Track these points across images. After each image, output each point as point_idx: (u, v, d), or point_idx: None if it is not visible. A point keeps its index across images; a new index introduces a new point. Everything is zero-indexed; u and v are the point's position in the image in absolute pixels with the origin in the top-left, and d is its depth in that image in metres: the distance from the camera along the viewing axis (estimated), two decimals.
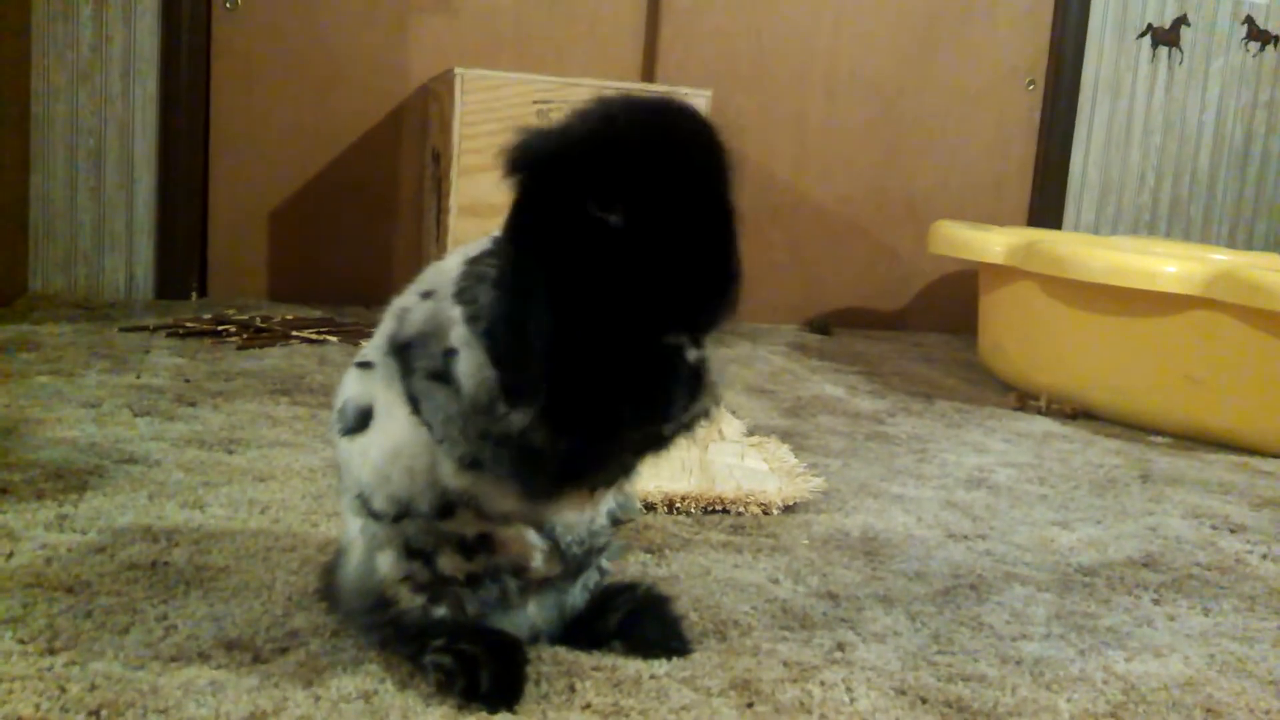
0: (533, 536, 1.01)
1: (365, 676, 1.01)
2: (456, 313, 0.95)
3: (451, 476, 0.97)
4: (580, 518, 1.03)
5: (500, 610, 1.04)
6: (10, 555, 1.23)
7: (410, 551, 1.00)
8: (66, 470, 1.53)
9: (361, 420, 1.02)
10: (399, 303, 1.03)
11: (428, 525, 0.99)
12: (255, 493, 1.51)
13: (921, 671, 1.12)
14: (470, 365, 0.92)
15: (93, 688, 0.96)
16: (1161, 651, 1.23)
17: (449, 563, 1.00)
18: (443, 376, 0.95)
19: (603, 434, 0.93)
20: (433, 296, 0.99)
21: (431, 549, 1.00)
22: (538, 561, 1.02)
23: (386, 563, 1.01)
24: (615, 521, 1.11)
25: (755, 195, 3.42)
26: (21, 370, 2.10)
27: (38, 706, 0.92)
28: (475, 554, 1.00)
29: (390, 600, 1.02)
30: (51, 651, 1.02)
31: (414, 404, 0.98)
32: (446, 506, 0.98)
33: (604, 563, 1.11)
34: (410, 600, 1.01)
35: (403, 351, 0.99)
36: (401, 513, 0.99)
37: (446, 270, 1.00)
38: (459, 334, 0.94)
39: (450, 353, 0.94)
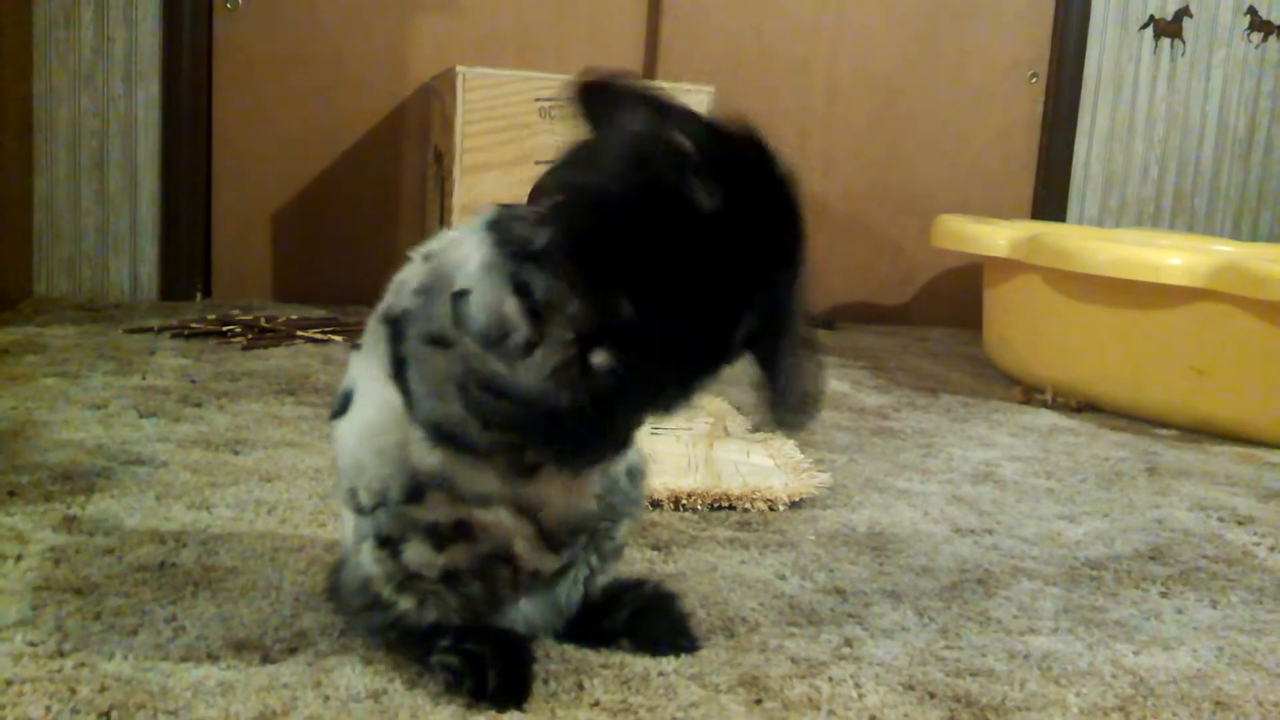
0: (512, 519, 0.98)
1: (374, 676, 1.01)
2: (473, 244, 0.93)
3: (422, 455, 0.95)
4: (566, 499, 1.00)
5: (491, 609, 1.02)
6: (19, 558, 1.23)
7: (380, 540, 0.99)
8: (74, 472, 1.54)
9: (344, 403, 1.02)
10: (398, 275, 1.01)
11: (396, 511, 0.97)
12: (262, 493, 1.51)
13: (929, 666, 1.12)
14: (486, 298, 0.90)
15: (103, 689, 0.96)
16: (1170, 644, 1.23)
17: (416, 555, 0.98)
18: (441, 339, 0.93)
19: (647, 393, 0.92)
20: (433, 258, 0.97)
21: (399, 537, 0.98)
22: (521, 547, 1.00)
23: (368, 556, 1.00)
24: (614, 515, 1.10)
25: None
26: (27, 373, 2.10)
27: (48, 708, 0.92)
28: (448, 544, 0.98)
29: (386, 603, 1.01)
30: (61, 653, 1.02)
31: (397, 367, 0.96)
32: (415, 490, 0.96)
33: (593, 559, 1.09)
34: (407, 602, 1.00)
35: (396, 322, 0.97)
36: (378, 503, 0.98)
37: (456, 234, 0.98)
38: (471, 271, 0.92)
39: (461, 295, 0.92)
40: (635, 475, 1.10)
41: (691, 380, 0.93)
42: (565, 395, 0.90)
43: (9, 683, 0.96)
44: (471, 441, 0.94)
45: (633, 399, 0.91)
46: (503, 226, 0.93)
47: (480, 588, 1.01)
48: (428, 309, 0.95)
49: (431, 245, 1.00)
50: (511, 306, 0.90)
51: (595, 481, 1.03)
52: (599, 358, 0.89)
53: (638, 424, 0.98)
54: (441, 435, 0.95)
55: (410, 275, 0.99)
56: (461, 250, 0.95)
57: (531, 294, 0.89)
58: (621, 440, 1.02)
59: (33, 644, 1.03)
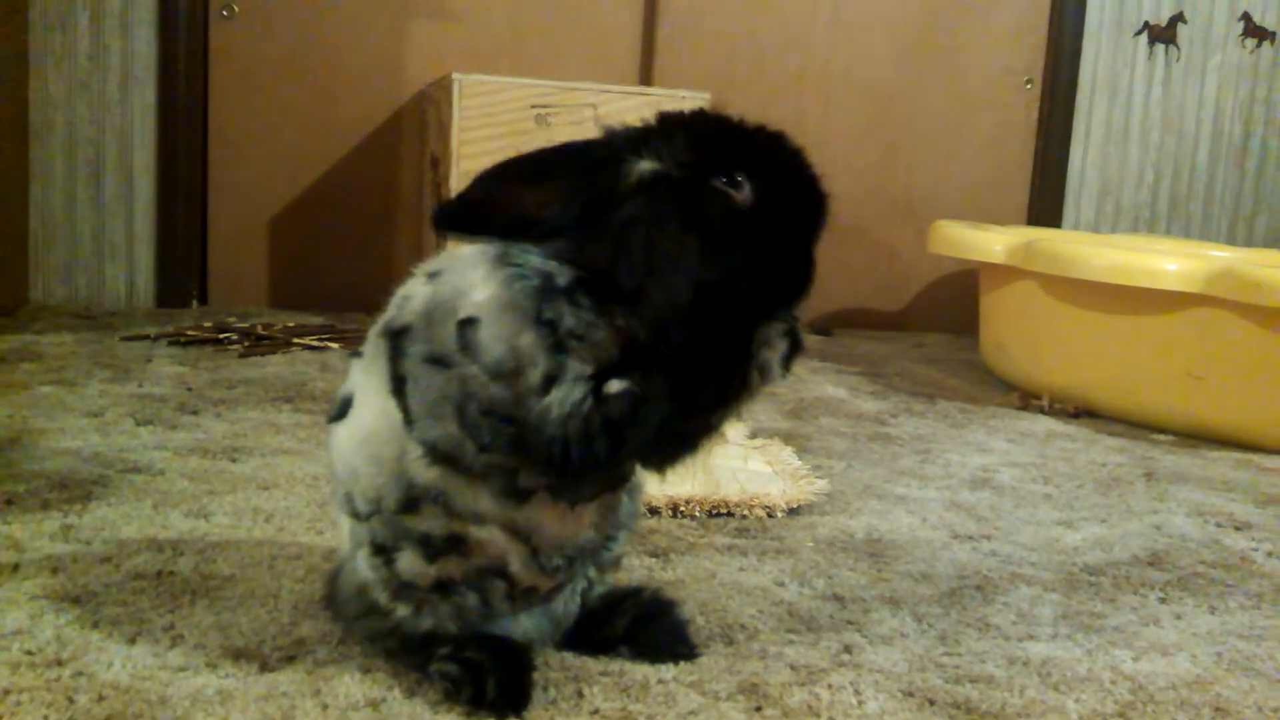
0: (505, 539, 0.98)
1: (373, 684, 1.01)
2: (480, 275, 0.93)
3: (420, 469, 0.95)
4: (561, 527, 1.00)
5: (486, 620, 1.02)
6: (16, 567, 1.23)
7: (375, 548, 0.99)
8: (71, 480, 1.53)
9: (343, 408, 1.02)
10: (402, 290, 1.02)
11: (391, 519, 0.97)
12: (259, 501, 1.51)
13: (929, 673, 1.12)
14: (500, 330, 0.91)
15: (100, 698, 0.95)
16: (1169, 650, 1.23)
17: (409, 564, 0.98)
18: (442, 360, 0.93)
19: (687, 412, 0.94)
20: (438, 278, 0.98)
21: (392, 545, 0.98)
22: (515, 565, 0.99)
23: (364, 562, 1.00)
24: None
25: None
26: (24, 381, 2.10)
27: (46, 718, 0.92)
28: (440, 556, 0.97)
29: (384, 609, 1.01)
30: (59, 662, 1.01)
31: (397, 384, 0.96)
32: (411, 501, 0.96)
33: (590, 571, 1.09)
34: (404, 609, 1.00)
35: (397, 336, 0.97)
36: (373, 510, 0.98)
37: (463, 253, 0.99)
38: (479, 300, 0.92)
39: (469, 322, 0.92)
40: (633, 490, 1.09)
41: (708, 403, 0.95)
42: (577, 426, 0.90)
43: (7, 692, 0.95)
44: (467, 462, 0.95)
45: (647, 422, 0.91)
46: (515, 262, 0.93)
47: (475, 598, 1.00)
48: (429, 331, 0.95)
49: (435, 264, 1.00)
50: (528, 340, 0.90)
51: (593, 511, 1.02)
52: (614, 386, 0.90)
53: (647, 455, 0.98)
54: (438, 455, 0.95)
55: (413, 292, 0.99)
56: (467, 277, 0.95)
57: (556, 329, 0.90)
58: (624, 475, 1.02)
59: (30, 653, 1.03)
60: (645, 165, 0.93)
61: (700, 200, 0.91)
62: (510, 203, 0.93)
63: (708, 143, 0.94)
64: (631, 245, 0.90)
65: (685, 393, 0.92)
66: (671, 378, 0.91)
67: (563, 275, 0.91)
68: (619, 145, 0.94)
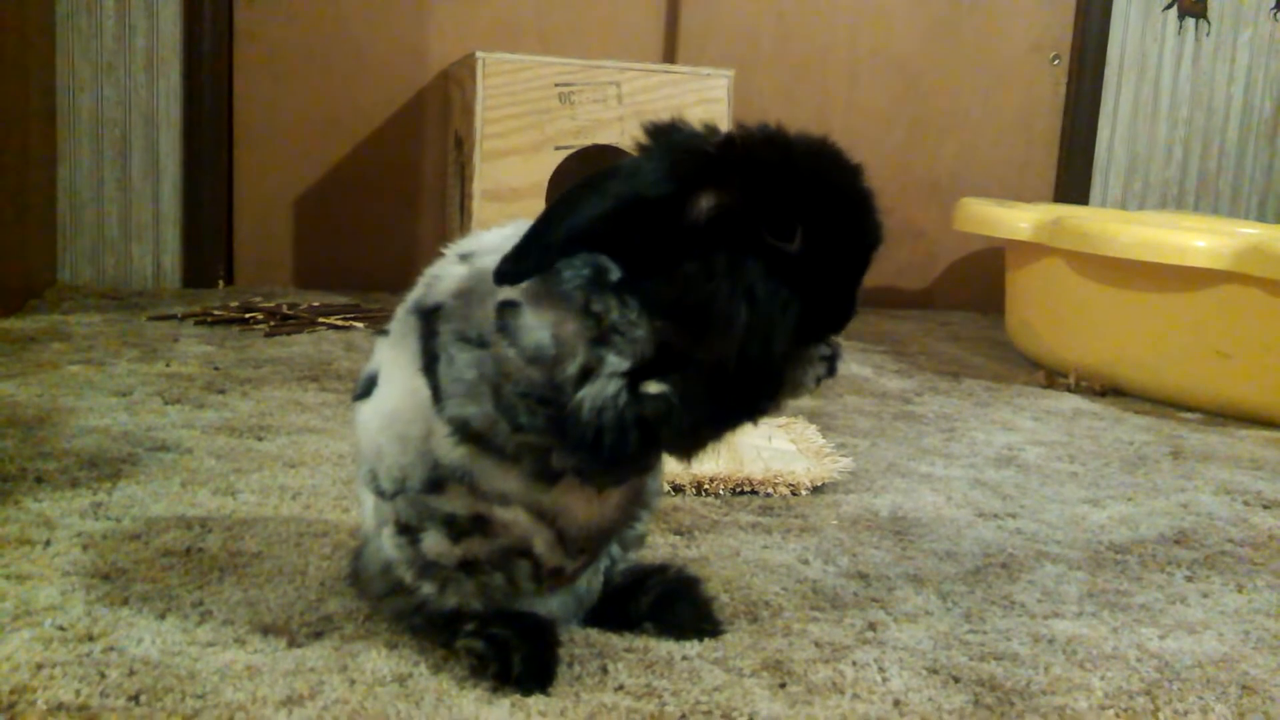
0: (530, 521, 0.98)
1: (400, 660, 1.02)
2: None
3: (446, 448, 0.95)
4: (587, 510, 1.01)
5: (511, 599, 1.02)
6: (48, 543, 1.24)
7: (400, 527, 0.99)
8: (100, 459, 1.55)
9: (368, 386, 1.03)
10: (431, 270, 1.02)
11: (416, 499, 0.98)
12: (286, 479, 1.52)
13: (954, 651, 1.12)
14: (543, 317, 0.91)
15: (131, 673, 0.97)
16: (1195, 629, 1.22)
17: (433, 544, 0.98)
18: (478, 341, 0.93)
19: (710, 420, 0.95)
20: (472, 259, 0.97)
21: (417, 525, 0.98)
22: (539, 547, 1.00)
23: (389, 541, 1.01)
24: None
25: None
26: (53, 360, 2.12)
27: (78, 692, 0.93)
28: (465, 537, 0.98)
29: (409, 588, 1.01)
30: (90, 638, 1.03)
31: (429, 362, 0.96)
32: (437, 481, 0.97)
33: (614, 549, 1.10)
34: (429, 587, 1.00)
35: (429, 315, 0.97)
36: (398, 489, 0.99)
37: (492, 236, 0.99)
38: (524, 285, 0.91)
39: (510, 305, 0.92)
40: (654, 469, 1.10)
41: (739, 411, 0.96)
42: (612, 417, 0.90)
43: (39, 667, 0.97)
44: (498, 442, 0.95)
45: (680, 423, 0.92)
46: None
47: (501, 578, 1.01)
48: (466, 310, 0.95)
49: (468, 245, 1.00)
50: (571, 330, 0.90)
51: (619, 494, 1.03)
52: (652, 386, 0.91)
53: (680, 448, 0.98)
54: (467, 433, 0.95)
55: (445, 273, 0.99)
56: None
57: (601, 322, 0.90)
58: (651, 462, 1.03)
59: (62, 628, 1.04)
60: (705, 202, 0.90)
61: (753, 262, 0.90)
62: (561, 245, 0.91)
63: (766, 178, 0.92)
64: (687, 312, 0.90)
65: (718, 399, 0.93)
66: (706, 384, 0.92)
67: (614, 271, 0.91)
68: (681, 173, 0.91)
